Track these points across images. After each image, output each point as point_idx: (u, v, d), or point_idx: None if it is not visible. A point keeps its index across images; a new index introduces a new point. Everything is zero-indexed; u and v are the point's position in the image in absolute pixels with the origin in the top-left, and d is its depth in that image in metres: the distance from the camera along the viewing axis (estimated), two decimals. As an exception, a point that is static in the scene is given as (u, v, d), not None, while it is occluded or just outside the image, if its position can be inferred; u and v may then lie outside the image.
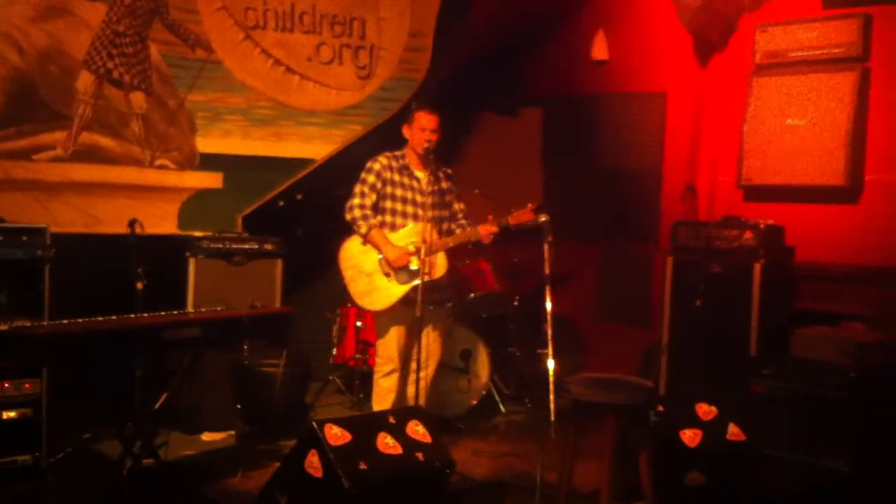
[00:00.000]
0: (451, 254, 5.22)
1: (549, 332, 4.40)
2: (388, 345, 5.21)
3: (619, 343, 6.96)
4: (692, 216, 6.23)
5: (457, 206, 5.37)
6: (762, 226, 5.75)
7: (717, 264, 5.78)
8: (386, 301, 5.13)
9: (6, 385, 4.61)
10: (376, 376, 5.30)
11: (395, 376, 5.23)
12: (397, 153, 5.24)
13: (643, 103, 7.18)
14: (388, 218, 5.18)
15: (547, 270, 4.58)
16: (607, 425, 4.15)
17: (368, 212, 5.13)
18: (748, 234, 5.68)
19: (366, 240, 5.12)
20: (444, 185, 5.26)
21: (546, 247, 4.59)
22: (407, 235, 5.13)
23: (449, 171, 5.31)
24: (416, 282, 5.00)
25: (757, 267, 5.62)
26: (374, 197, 5.15)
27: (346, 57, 6.90)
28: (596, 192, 7.37)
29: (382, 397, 5.23)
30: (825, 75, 6.05)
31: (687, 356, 5.86)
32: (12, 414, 4.64)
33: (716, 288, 5.76)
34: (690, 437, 4.39)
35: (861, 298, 5.71)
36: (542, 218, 4.67)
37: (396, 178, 5.18)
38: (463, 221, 5.33)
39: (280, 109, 6.65)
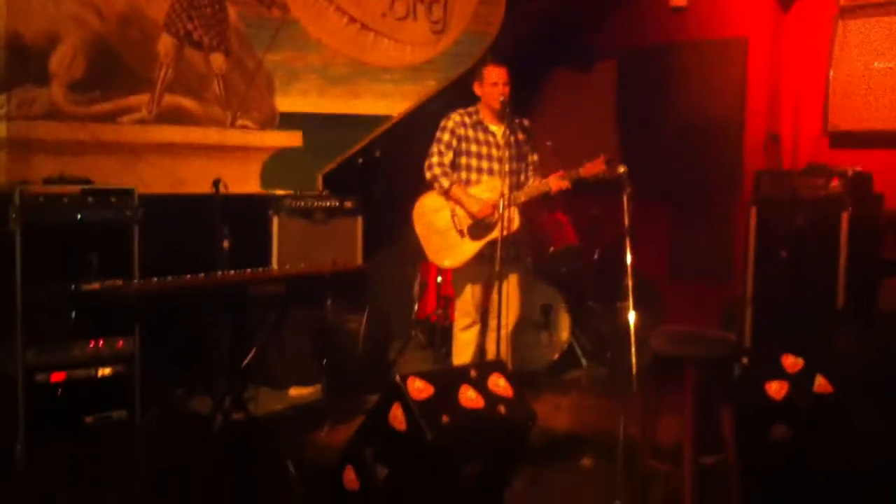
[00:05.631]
0: (526, 207, 5.19)
1: (630, 284, 4.36)
2: (465, 301, 5.24)
3: (697, 299, 6.85)
4: (776, 166, 6.09)
5: (531, 157, 5.32)
6: (850, 173, 5.58)
7: (803, 214, 5.65)
8: (460, 258, 5.15)
9: (100, 343, 4.77)
10: (455, 330, 5.34)
11: (475, 329, 5.26)
12: (470, 109, 5.21)
13: (723, 50, 7.00)
14: (464, 174, 5.17)
15: (626, 223, 4.52)
16: (689, 379, 4.11)
17: (448, 169, 5.14)
18: (835, 182, 5.53)
19: (448, 196, 5.13)
20: (521, 136, 5.20)
21: (625, 198, 4.52)
22: (482, 191, 5.12)
23: (525, 122, 5.26)
24: (489, 237, 5.01)
25: (844, 216, 5.48)
26: (450, 154, 5.15)
27: (420, 12, 6.86)
28: (674, 145, 7.22)
29: (462, 350, 5.28)
30: (914, 16, 5.86)
31: (771, 310, 5.77)
32: (107, 371, 4.80)
33: (801, 238, 5.64)
34: (776, 389, 4.32)
35: (953, 247, 5.55)
36: (621, 169, 4.60)
37: (471, 133, 5.16)
38: (531, 174, 5.28)
39: (355, 67, 6.64)
